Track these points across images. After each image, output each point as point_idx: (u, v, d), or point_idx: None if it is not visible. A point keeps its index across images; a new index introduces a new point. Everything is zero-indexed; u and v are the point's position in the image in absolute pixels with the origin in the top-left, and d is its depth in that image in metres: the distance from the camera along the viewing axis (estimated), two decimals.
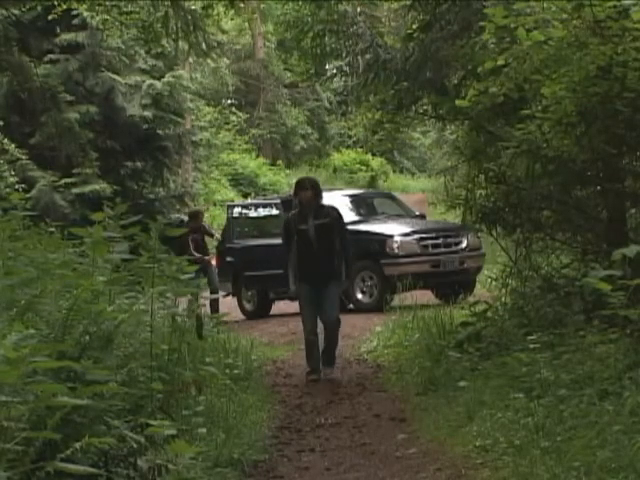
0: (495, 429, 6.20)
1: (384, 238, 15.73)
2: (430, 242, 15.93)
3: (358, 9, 14.84)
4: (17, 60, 19.89)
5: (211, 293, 15.34)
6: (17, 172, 20.16)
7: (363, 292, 15.77)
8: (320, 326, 9.94)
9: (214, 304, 15.36)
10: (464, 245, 16.07)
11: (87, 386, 4.09)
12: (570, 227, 9.22)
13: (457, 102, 8.52)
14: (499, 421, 6.31)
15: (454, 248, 16.03)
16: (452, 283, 15.34)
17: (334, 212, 10.10)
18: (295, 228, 9.89)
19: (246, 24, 42.20)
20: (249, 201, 23.85)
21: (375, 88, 10.83)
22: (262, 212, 17.62)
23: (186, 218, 17.29)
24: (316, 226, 9.82)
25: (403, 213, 17.59)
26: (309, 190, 9.90)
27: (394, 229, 16.08)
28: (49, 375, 4.28)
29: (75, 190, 22.11)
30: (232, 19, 36.48)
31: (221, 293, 16.37)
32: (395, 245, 15.66)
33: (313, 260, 9.76)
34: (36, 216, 9.99)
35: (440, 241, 16.03)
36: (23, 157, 20.40)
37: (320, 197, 9.99)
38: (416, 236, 15.92)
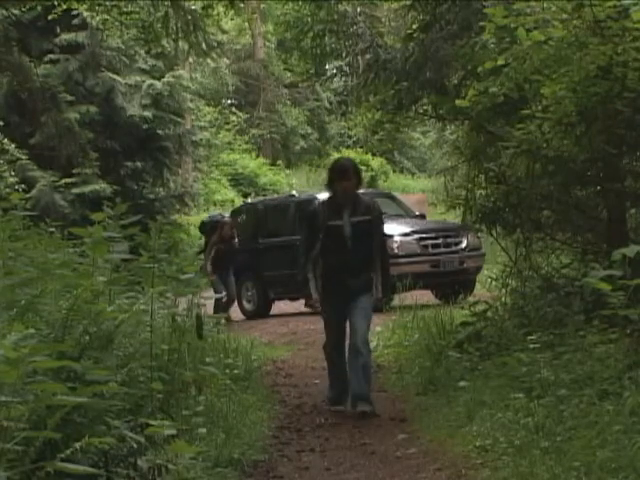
0: (495, 429, 6.20)
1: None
2: (430, 242, 15.93)
3: (358, 9, 14.86)
4: (17, 60, 19.90)
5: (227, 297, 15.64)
6: (17, 172, 20.19)
7: None
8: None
9: (225, 305, 15.51)
10: (464, 245, 16.06)
11: (87, 386, 4.09)
12: (570, 227, 9.23)
13: (457, 102, 8.51)
14: (499, 421, 6.30)
15: (454, 248, 16.03)
16: (452, 283, 15.34)
17: (375, 208, 8.02)
18: (325, 223, 7.81)
19: (246, 24, 42.25)
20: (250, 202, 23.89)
21: (375, 88, 10.81)
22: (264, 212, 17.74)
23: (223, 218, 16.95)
24: (354, 224, 7.79)
25: (403, 213, 17.59)
26: (352, 180, 7.81)
27: (394, 229, 16.04)
28: (49, 375, 4.28)
29: (75, 190, 22.15)
30: (232, 19, 36.52)
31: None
32: (395, 245, 15.62)
33: (345, 266, 7.77)
34: (36, 216, 10.00)
35: (440, 241, 16.02)
36: (23, 157, 20.43)
37: (360, 186, 7.99)
38: (416, 236, 15.91)
